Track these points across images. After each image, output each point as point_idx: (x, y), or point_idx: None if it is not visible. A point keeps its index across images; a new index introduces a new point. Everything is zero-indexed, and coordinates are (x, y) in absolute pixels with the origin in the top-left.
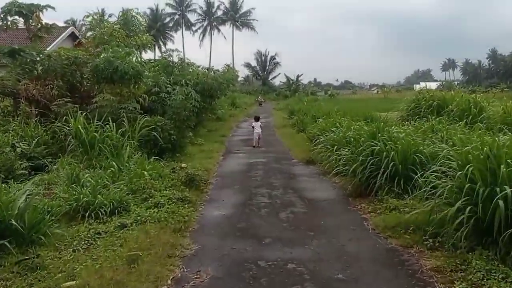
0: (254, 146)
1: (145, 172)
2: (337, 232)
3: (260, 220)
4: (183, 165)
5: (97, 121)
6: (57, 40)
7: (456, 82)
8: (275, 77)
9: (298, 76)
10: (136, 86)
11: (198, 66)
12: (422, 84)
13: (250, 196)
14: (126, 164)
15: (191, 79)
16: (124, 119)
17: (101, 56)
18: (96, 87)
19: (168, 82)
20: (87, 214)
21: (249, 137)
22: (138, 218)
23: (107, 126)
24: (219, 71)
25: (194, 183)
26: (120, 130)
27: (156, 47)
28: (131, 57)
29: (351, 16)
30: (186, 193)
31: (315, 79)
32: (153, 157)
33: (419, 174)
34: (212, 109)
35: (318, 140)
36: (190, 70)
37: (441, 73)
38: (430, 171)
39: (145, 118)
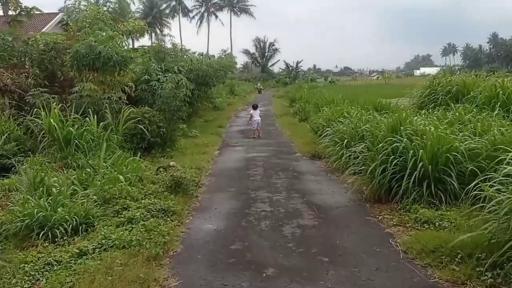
0: (254, 137)
1: (121, 176)
2: (359, 257)
3: (260, 238)
4: (171, 163)
5: (75, 113)
6: (46, 27)
7: (457, 67)
8: (274, 63)
9: (298, 63)
10: (122, 74)
11: (194, 53)
12: (422, 70)
13: (248, 202)
14: (104, 163)
15: (185, 65)
16: (107, 110)
17: (82, 41)
18: (77, 75)
19: (159, 69)
20: (42, 233)
21: (248, 127)
22: (103, 241)
23: (88, 119)
24: (214, 57)
25: (182, 187)
26: (102, 124)
27: (153, 35)
28: (115, 41)
29: (351, 3)
30: (171, 201)
31: (314, 66)
32: (141, 153)
33: (475, 183)
34: (208, 97)
35: (324, 132)
36: (184, 56)
37: (441, 58)
38: (486, 179)
39: (130, 110)
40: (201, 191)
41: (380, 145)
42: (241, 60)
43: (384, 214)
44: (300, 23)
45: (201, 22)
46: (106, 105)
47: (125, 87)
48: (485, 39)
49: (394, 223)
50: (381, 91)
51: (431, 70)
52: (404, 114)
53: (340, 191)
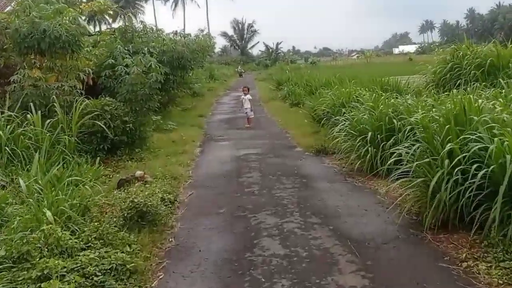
0: (248, 126)
1: (48, 213)
2: None
3: None
4: (137, 173)
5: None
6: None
7: (436, 43)
8: (253, 46)
9: (278, 44)
10: (76, 57)
11: (168, 34)
12: (401, 48)
13: (247, 236)
14: (38, 184)
15: (156, 46)
16: (55, 103)
17: (23, 17)
18: (21, 60)
19: (126, 51)
20: None
21: (233, 115)
22: None
23: (30, 115)
24: (190, 35)
25: (147, 219)
26: (48, 121)
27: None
28: (64, 16)
29: None
30: (130, 247)
31: (293, 47)
32: (102, 157)
33: None
34: (185, 83)
35: (330, 121)
36: (156, 36)
37: (419, 35)
38: None
39: (86, 102)
40: (179, 216)
41: (448, 146)
42: (219, 43)
43: (466, 256)
44: (276, 2)
45: (176, 5)
46: (54, 97)
47: (81, 74)
48: (462, 15)
49: (494, 277)
50: (372, 70)
51: (410, 48)
52: (467, 97)
53: (376, 209)
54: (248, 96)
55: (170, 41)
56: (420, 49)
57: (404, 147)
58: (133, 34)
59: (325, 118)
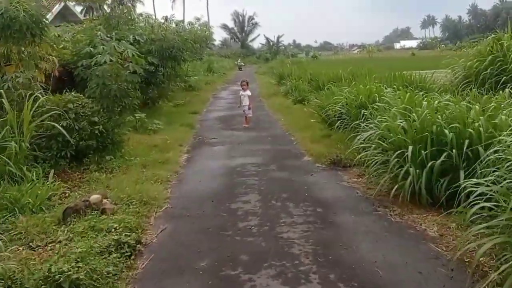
0: (245, 127)
1: None
2: None
3: None
4: (93, 197)
5: None
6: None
7: (438, 39)
8: (254, 38)
9: (278, 37)
10: (38, 43)
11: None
12: (402, 43)
13: None
14: None
15: (144, 34)
16: (3, 99)
17: None
18: None
19: (108, 38)
20: None
21: (230, 112)
22: None
23: None
24: (183, 22)
25: None
26: None
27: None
28: None
29: None
30: None
31: (294, 41)
32: (65, 165)
33: None
34: (178, 75)
35: (349, 125)
36: (144, 23)
37: (420, 31)
38: None
39: (43, 98)
40: (136, 276)
41: None
42: (220, 36)
43: None
44: None
45: None
46: (2, 91)
47: (45, 64)
48: (465, 10)
49: None
50: (379, 64)
51: (411, 43)
52: None
53: (437, 272)
54: (248, 92)
55: (160, 28)
56: (421, 45)
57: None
58: (118, 21)
59: (338, 121)
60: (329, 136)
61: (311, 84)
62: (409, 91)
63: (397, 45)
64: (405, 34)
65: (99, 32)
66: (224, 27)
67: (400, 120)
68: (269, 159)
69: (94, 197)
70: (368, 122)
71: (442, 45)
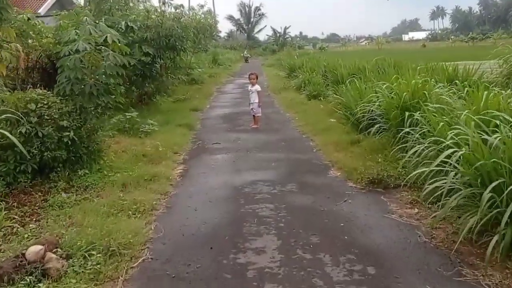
0: (255, 127)
1: None
2: None
3: None
4: (31, 250)
5: None
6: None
7: (449, 30)
8: (260, 30)
9: (285, 29)
10: None
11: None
12: (411, 34)
13: None
14: None
15: (138, 20)
16: None
17: None
18: None
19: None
20: None
21: (236, 109)
22: None
23: None
24: (183, 7)
25: None
26: None
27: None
28: None
29: None
30: None
31: (301, 33)
32: (25, 183)
33: None
34: (178, 68)
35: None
36: (137, 9)
37: (429, 22)
38: None
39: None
40: None
41: None
42: (226, 28)
43: None
44: None
45: None
46: None
47: (4, 53)
48: (475, 1)
49: None
50: (395, 56)
51: (420, 35)
52: None
53: None
54: (257, 87)
55: (157, 13)
56: (430, 36)
57: None
58: (111, 5)
59: (370, 123)
60: (358, 143)
61: (326, 77)
62: (468, 88)
63: (406, 37)
64: (414, 25)
65: (86, 17)
66: (230, 18)
67: (480, 133)
68: (285, 174)
69: (33, 250)
70: (420, 129)
71: (452, 37)
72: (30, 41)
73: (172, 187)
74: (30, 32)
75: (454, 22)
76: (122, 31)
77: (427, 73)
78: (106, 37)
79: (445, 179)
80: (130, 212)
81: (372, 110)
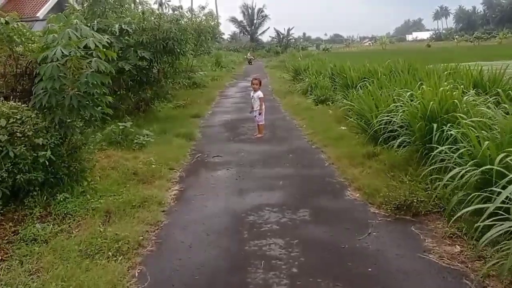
0: (258, 136)
1: None
2: None
3: None
4: None
5: None
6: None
7: (453, 30)
8: (264, 31)
9: (289, 30)
10: None
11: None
12: (415, 34)
13: None
14: None
15: (133, 23)
16: None
17: None
18: None
19: (87, 27)
20: None
21: (239, 115)
22: None
23: None
24: (181, 8)
25: None
26: None
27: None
28: None
29: None
30: None
31: (304, 34)
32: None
33: None
34: (177, 72)
35: (418, 148)
36: (133, 10)
37: (433, 22)
38: None
39: None
40: None
41: None
42: (229, 30)
43: None
44: None
45: None
46: None
47: None
48: (479, 0)
49: None
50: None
51: (424, 35)
52: None
53: None
54: (259, 94)
55: (152, 15)
56: (434, 36)
57: None
58: (105, 6)
59: (390, 135)
60: (375, 156)
61: (333, 81)
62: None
63: (409, 37)
64: (417, 25)
65: (76, 20)
66: (233, 20)
67: None
68: (295, 195)
69: None
70: (452, 145)
71: (456, 36)
72: (19, 47)
73: (164, 214)
74: (15, 37)
75: (457, 22)
76: (116, 34)
77: (448, 77)
78: (90, 42)
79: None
80: (110, 253)
81: (393, 121)
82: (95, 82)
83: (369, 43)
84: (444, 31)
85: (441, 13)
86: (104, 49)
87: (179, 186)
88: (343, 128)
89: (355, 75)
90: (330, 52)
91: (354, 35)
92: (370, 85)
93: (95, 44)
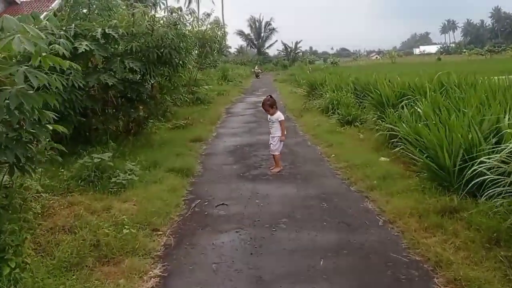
0: (277, 172)
1: None
2: None
3: None
4: None
5: None
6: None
7: (461, 43)
8: (271, 45)
9: (296, 43)
10: None
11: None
12: (422, 48)
13: None
14: None
15: (120, 27)
16: None
17: None
18: None
19: (62, 31)
20: None
21: (249, 138)
22: None
23: None
24: (181, 9)
25: None
26: None
27: None
28: None
29: None
30: None
31: (311, 48)
32: None
33: None
34: (175, 87)
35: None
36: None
37: (440, 35)
38: None
39: None
40: None
41: None
42: (236, 43)
43: None
44: (293, 4)
45: (189, 2)
46: None
47: None
48: (487, 14)
49: None
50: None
51: (432, 48)
52: None
53: None
54: (278, 116)
55: (144, 18)
56: (441, 50)
57: None
58: (89, 8)
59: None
60: (456, 213)
61: (357, 97)
62: None
63: (417, 51)
64: (424, 39)
65: (46, 23)
66: (240, 33)
67: None
68: None
69: None
70: None
71: (464, 50)
72: None
73: None
74: None
75: (465, 35)
76: (99, 40)
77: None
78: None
79: None
80: None
81: (495, 167)
82: (23, 107)
83: (377, 57)
84: (453, 45)
85: (449, 26)
86: (50, 55)
87: (160, 269)
88: (384, 159)
89: (390, 91)
90: (339, 65)
91: (361, 49)
92: (417, 103)
93: (44, 50)
